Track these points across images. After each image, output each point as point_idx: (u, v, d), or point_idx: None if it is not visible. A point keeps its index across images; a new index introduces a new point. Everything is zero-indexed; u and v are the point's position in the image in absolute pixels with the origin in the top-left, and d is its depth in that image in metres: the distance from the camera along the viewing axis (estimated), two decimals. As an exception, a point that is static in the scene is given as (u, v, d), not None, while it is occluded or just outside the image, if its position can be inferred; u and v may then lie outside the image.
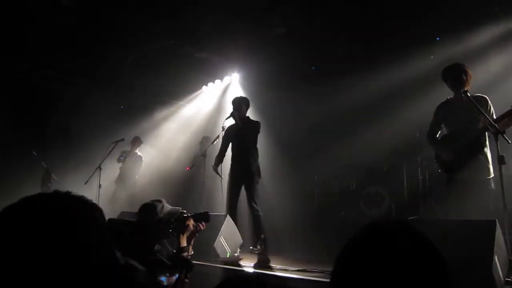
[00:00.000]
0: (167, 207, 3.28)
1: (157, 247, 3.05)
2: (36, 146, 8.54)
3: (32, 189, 7.77)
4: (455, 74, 4.46)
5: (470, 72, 4.47)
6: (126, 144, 8.74)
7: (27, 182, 7.94)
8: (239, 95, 6.58)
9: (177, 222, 3.21)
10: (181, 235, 3.17)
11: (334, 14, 7.39)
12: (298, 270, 4.47)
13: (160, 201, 3.29)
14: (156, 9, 7.70)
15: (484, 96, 4.44)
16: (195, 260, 4.57)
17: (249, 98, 6.42)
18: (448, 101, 4.62)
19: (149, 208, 3.20)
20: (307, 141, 8.80)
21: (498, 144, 3.81)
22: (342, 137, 8.04)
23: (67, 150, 9.69)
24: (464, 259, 3.19)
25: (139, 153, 9.03)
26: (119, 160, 8.83)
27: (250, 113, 6.50)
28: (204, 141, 8.48)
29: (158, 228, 3.13)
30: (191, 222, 3.24)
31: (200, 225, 3.31)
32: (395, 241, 0.88)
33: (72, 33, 8.04)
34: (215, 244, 5.18)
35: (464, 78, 4.40)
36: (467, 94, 4.20)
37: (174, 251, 3.14)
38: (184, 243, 3.17)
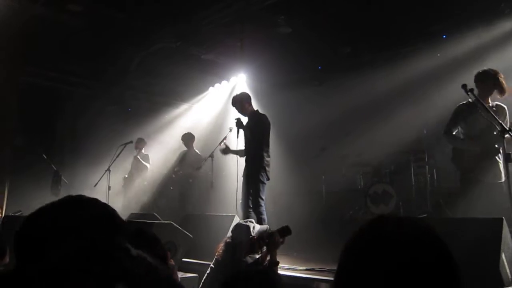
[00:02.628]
0: (257, 226, 3.69)
1: (246, 261, 3.49)
2: (45, 148, 8.61)
3: (42, 192, 7.85)
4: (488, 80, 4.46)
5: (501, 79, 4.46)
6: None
7: (37, 185, 8.02)
8: (236, 94, 6.30)
9: (269, 239, 3.51)
10: (273, 251, 3.49)
11: (338, 11, 7.39)
12: (306, 269, 4.49)
13: (252, 222, 3.73)
14: (161, 11, 7.76)
15: (503, 106, 4.48)
16: (206, 260, 4.64)
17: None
18: (469, 102, 4.58)
19: (244, 229, 3.62)
20: (314, 139, 8.81)
21: (505, 142, 3.81)
22: (349, 135, 8.04)
23: (76, 153, 9.77)
24: (471, 257, 3.19)
25: (145, 152, 9.22)
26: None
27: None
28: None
29: (251, 246, 3.49)
30: (279, 238, 3.53)
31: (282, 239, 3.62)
32: (400, 232, 0.88)
33: (79, 36, 8.12)
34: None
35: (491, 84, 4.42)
36: (473, 92, 4.20)
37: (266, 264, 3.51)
38: (275, 258, 3.48)
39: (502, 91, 4.39)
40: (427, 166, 7.24)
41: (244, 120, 6.04)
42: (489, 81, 4.43)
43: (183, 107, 10.88)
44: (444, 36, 7.61)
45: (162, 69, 9.47)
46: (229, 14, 7.62)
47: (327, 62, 9.24)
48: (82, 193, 1.15)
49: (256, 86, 9.89)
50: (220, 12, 7.70)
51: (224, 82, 10.06)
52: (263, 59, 8.80)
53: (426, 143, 7.19)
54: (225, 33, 8.24)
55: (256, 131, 5.80)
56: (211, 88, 10.34)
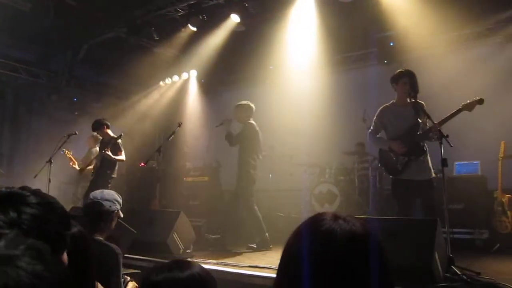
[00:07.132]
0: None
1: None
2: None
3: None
4: (406, 79, 4.56)
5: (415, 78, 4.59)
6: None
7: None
8: (245, 102, 6.41)
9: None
10: None
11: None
12: (250, 266, 4.52)
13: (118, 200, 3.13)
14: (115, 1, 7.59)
15: (421, 102, 4.57)
16: (149, 256, 4.56)
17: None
18: (393, 104, 4.73)
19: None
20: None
21: (442, 147, 4.01)
22: (296, 136, 8.17)
23: (15, 142, 9.33)
24: (407, 255, 3.36)
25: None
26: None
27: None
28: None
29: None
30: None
31: None
32: (336, 231, 0.90)
33: (26, 20, 7.77)
34: (168, 241, 5.15)
35: (413, 83, 4.54)
36: (416, 100, 4.40)
37: None
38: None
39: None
40: (370, 168, 7.48)
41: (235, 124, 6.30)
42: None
43: (132, 99, 10.59)
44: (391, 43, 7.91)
45: (110, 59, 9.20)
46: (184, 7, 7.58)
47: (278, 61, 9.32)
48: (22, 184, 1.11)
49: (206, 82, 9.87)
50: (174, 4, 7.63)
51: (175, 77, 9.96)
52: (216, 56, 8.77)
53: (370, 146, 7.42)
54: (178, 26, 8.16)
55: (245, 136, 6.11)
56: (161, 82, 10.19)
